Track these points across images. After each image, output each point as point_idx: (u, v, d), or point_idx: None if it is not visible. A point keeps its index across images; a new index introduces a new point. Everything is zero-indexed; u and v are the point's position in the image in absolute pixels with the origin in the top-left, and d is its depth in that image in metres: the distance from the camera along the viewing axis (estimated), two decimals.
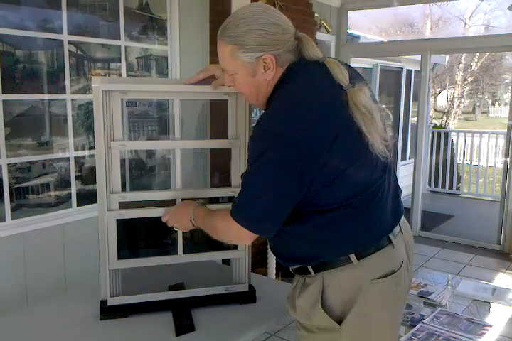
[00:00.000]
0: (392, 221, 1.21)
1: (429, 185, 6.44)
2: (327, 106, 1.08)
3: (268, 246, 3.11)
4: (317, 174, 1.06)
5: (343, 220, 1.13)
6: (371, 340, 1.17)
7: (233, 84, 1.22)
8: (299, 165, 1.04)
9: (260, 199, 1.09)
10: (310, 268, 1.17)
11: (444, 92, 16.73)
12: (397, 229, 1.21)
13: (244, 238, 1.15)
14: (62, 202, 2.41)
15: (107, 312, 1.37)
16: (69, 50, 2.37)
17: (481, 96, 20.53)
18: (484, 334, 2.68)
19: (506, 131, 4.33)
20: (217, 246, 1.53)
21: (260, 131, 1.09)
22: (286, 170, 1.05)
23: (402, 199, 1.31)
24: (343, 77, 1.11)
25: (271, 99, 1.18)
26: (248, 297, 1.49)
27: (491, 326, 2.78)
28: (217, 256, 1.56)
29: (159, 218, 1.40)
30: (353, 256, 1.13)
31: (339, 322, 1.13)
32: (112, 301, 1.38)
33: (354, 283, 1.13)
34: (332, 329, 1.13)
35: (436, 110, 17.46)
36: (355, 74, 1.19)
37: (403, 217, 1.28)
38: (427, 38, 13.75)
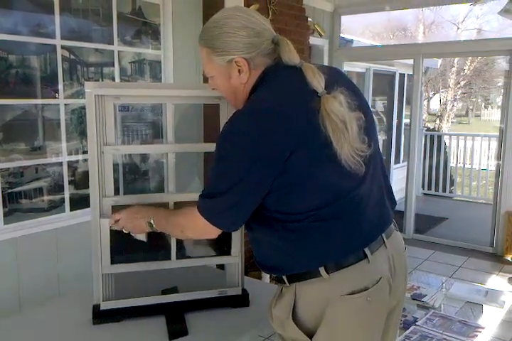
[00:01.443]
0: (371, 234, 1.15)
1: (423, 187, 6.48)
2: (292, 114, 1.05)
3: None
4: (278, 179, 1.05)
5: (313, 232, 1.10)
6: None
7: (216, 87, 1.24)
8: (258, 165, 1.04)
9: (223, 193, 1.08)
10: (284, 277, 1.14)
11: (437, 96, 16.84)
12: (377, 243, 1.14)
13: (209, 232, 1.16)
14: (55, 207, 2.41)
15: (100, 316, 1.37)
16: (62, 55, 2.37)
17: (474, 99, 20.66)
18: (477, 336, 2.70)
19: (498, 134, 4.36)
20: (212, 250, 1.53)
21: (226, 130, 1.10)
22: (247, 168, 1.05)
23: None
24: (317, 83, 1.08)
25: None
26: (241, 300, 1.49)
27: (483, 328, 2.79)
28: (211, 261, 1.56)
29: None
30: (322, 270, 1.09)
31: (310, 336, 1.10)
32: (105, 305, 1.38)
33: (323, 296, 1.09)
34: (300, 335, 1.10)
35: (429, 113, 17.56)
36: (339, 80, 1.16)
37: (394, 231, 1.23)
38: (420, 42, 13.83)
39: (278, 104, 1.07)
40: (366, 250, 1.11)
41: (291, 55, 1.14)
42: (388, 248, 1.17)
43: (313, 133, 1.04)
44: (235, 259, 1.51)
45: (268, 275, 3.18)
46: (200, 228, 1.17)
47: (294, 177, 1.06)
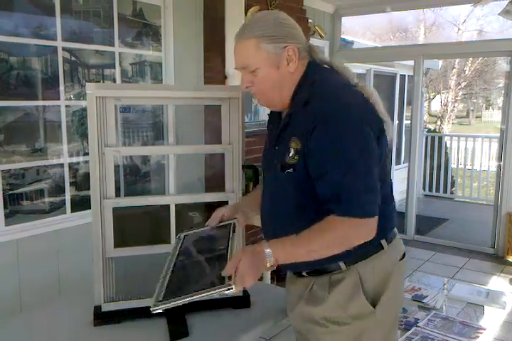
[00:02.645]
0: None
1: (424, 189, 6.47)
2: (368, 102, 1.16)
3: None
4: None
5: (382, 206, 1.16)
6: (395, 321, 1.32)
7: (252, 84, 1.21)
8: (371, 148, 1.12)
9: (365, 182, 1.09)
10: (342, 263, 1.21)
11: (438, 97, 16.83)
12: None
13: (372, 226, 1.11)
14: (56, 208, 2.41)
15: (101, 317, 1.37)
16: (63, 57, 2.38)
17: (474, 100, 20.65)
18: (478, 337, 2.69)
19: (499, 135, 4.36)
20: None
21: (337, 125, 1.09)
22: (369, 148, 1.11)
23: (397, 203, 1.40)
24: (353, 75, 1.23)
25: (295, 98, 1.21)
26: (242, 302, 1.49)
27: (484, 329, 2.79)
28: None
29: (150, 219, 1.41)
30: (384, 242, 1.24)
31: (373, 306, 1.21)
32: (106, 307, 1.38)
33: (385, 268, 1.24)
34: (367, 315, 1.20)
35: (430, 115, 17.55)
36: None
37: None
38: (420, 43, 13.83)
39: (358, 92, 1.16)
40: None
41: (321, 56, 1.26)
42: None
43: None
44: (234, 243, 1.49)
45: (269, 277, 3.17)
46: (363, 229, 1.10)
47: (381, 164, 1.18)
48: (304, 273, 1.28)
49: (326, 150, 1.09)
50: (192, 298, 1.06)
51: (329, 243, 1.11)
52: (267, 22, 1.18)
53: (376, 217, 1.10)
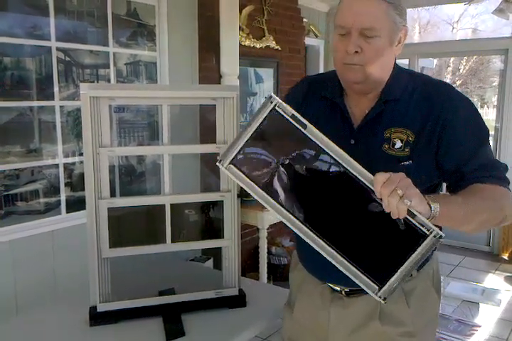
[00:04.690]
0: None
1: None
2: None
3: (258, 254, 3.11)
4: None
5: None
6: None
7: (361, 51, 1.05)
8: None
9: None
10: (415, 271, 1.15)
11: None
12: None
13: None
14: (51, 209, 2.40)
15: (97, 318, 1.37)
16: (57, 57, 2.37)
17: (469, 99, 20.69)
18: (473, 334, 2.71)
19: (494, 133, 4.38)
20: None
21: (472, 104, 1.14)
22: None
23: None
24: None
25: (390, 85, 1.12)
26: (238, 301, 1.49)
27: (480, 326, 2.80)
28: (204, 245, 1.56)
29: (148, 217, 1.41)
30: None
31: None
32: (102, 307, 1.38)
33: (437, 266, 1.25)
34: (434, 318, 1.21)
35: None
36: None
37: None
38: (415, 42, 13.88)
39: None
40: None
41: None
42: None
43: None
44: (228, 242, 1.50)
45: (266, 276, 3.18)
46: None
47: None
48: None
49: (471, 132, 1.11)
50: (412, 267, 0.87)
51: (496, 211, 1.02)
52: None
53: None
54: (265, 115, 0.97)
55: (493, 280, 3.70)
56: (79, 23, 2.47)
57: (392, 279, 0.86)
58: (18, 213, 2.28)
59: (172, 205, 1.47)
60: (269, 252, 3.41)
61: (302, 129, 0.95)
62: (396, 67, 1.14)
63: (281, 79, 3.96)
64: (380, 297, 0.86)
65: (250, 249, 3.52)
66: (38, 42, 2.29)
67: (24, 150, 2.28)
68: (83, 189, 1.36)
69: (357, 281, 0.90)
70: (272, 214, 3.16)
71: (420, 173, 1.07)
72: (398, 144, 1.08)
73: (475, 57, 14.29)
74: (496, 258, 4.17)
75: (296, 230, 0.95)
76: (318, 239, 0.93)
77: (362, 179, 0.90)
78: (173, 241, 1.46)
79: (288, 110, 0.96)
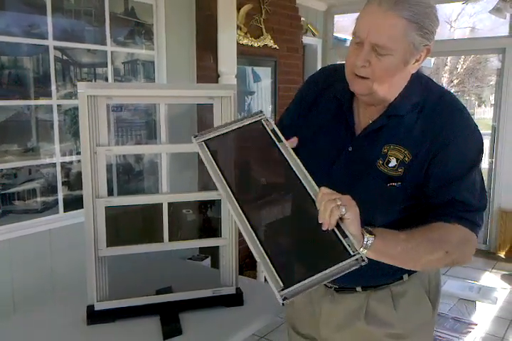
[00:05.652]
0: None
1: None
2: None
3: None
4: None
5: None
6: None
7: (369, 66, 1.01)
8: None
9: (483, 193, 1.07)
10: (406, 274, 1.15)
11: None
12: None
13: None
14: (49, 208, 2.40)
15: (94, 316, 1.37)
16: (54, 56, 2.37)
17: (467, 97, 20.70)
18: (470, 332, 2.72)
19: (491, 131, 4.39)
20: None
21: (476, 131, 1.06)
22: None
23: None
24: None
25: (402, 99, 1.07)
26: (235, 300, 1.49)
27: (476, 324, 2.82)
28: (202, 243, 1.56)
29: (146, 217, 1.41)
30: None
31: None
32: (99, 306, 1.38)
33: (436, 275, 1.21)
34: (427, 322, 1.18)
35: None
36: None
37: None
38: None
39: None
40: None
41: None
42: None
43: None
44: (225, 241, 1.50)
45: (263, 275, 3.18)
46: (474, 247, 1.06)
47: None
48: (358, 289, 1.16)
49: (464, 161, 1.04)
50: (323, 280, 0.86)
51: (440, 254, 0.98)
52: (426, 10, 0.99)
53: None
54: (251, 122, 1.11)
55: (490, 278, 3.72)
56: (76, 22, 2.47)
57: (299, 285, 0.86)
58: (16, 212, 2.28)
59: (170, 204, 1.48)
60: None
61: (277, 142, 1.06)
62: (414, 78, 1.08)
63: (279, 78, 3.96)
64: (281, 296, 0.85)
65: (248, 247, 3.52)
66: (36, 41, 2.29)
67: (21, 149, 2.28)
68: (80, 188, 1.37)
69: (266, 274, 0.91)
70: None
71: (409, 193, 1.06)
72: (393, 163, 1.05)
73: (472, 56, 14.31)
74: (493, 257, 4.19)
75: (235, 216, 0.98)
76: (250, 229, 0.97)
77: (309, 190, 0.96)
78: (170, 239, 1.47)
79: (270, 125, 1.10)
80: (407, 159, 1.04)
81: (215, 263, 1.62)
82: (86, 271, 1.38)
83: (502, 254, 4.18)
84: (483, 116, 20.93)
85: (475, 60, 15.61)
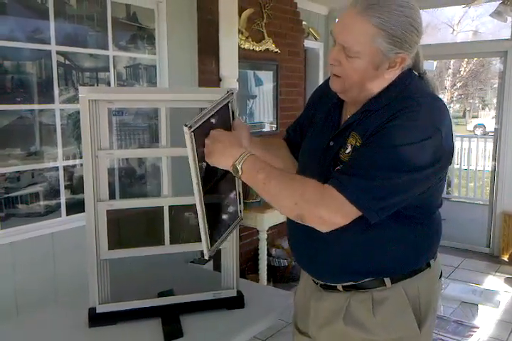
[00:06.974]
0: None
1: None
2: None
3: (259, 253, 3.12)
4: (441, 175, 1.09)
5: (439, 223, 1.20)
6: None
7: (339, 65, 1.07)
8: (441, 161, 1.02)
9: (388, 180, 0.98)
10: (388, 280, 1.12)
11: None
12: None
13: (346, 213, 0.98)
14: (51, 212, 2.42)
15: (96, 319, 1.38)
16: (57, 60, 2.38)
17: (470, 100, 20.71)
18: (472, 335, 2.71)
19: (493, 134, 4.39)
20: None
21: (421, 121, 1.00)
22: (427, 162, 0.99)
23: None
24: (437, 88, 1.17)
25: (381, 97, 1.08)
26: (236, 302, 1.50)
27: (478, 328, 2.80)
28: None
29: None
30: (432, 261, 1.19)
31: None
32: (101, 308, 1.39)
33: (429, 287, 1.17)
34: (411, 338, 1.12)
35: None
36: None
37: None
38: None
39: (446, 109, 1.09)
40: None
41: (422, 62, 1.15)
42: None
43: None
44: (226, 244, 1.50)
45: (265, 278, 3.19)
46: (333, 208, 0.98)
47: (443, 175, 1.12)
48: (339, 287, 1.17)
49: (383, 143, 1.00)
50: (226, 237, 1.26)
51: (288, 188, 1.02)
52: (400, 19, 0.99)
53: (356, 214, 0.99)
54: (225, 103, 1.25)
55: (493, 281, 3.70)
56: (79, 27, 2.49)
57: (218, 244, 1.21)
58: (19, 215, 2.29)
59: (171, 207, 1.49)
60: (269, 254, 3.42)
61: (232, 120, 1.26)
62: (395, 82, 1.09)
63: (281, 81, 3.98)
64: (208, 253, 1.14)
65: (250, 250, 3.52)
66: (38, 46, 2.31)
67: (24, 153, 2.30)
68: (83, 191, 1.38)
69: (203, 238, 1.12)
70: (271, 216, 3.15)
71: None
72: (348, 149, 1.09)
73: (475, 59, 14.32)
74: (496, 260, 4.17)
75: (197, 198, 1.17)
76: (203, 204, 1.16)
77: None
78: (171, 242, 1.48)
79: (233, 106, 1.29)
80: (358, 144, 1.07)
81: (218, 267, 1.63)
82: (88, 273, 1.39)
83: (505, 257, 4.17)
84: (487, 118, 20.95)
85: (478, 63, 15.62)
